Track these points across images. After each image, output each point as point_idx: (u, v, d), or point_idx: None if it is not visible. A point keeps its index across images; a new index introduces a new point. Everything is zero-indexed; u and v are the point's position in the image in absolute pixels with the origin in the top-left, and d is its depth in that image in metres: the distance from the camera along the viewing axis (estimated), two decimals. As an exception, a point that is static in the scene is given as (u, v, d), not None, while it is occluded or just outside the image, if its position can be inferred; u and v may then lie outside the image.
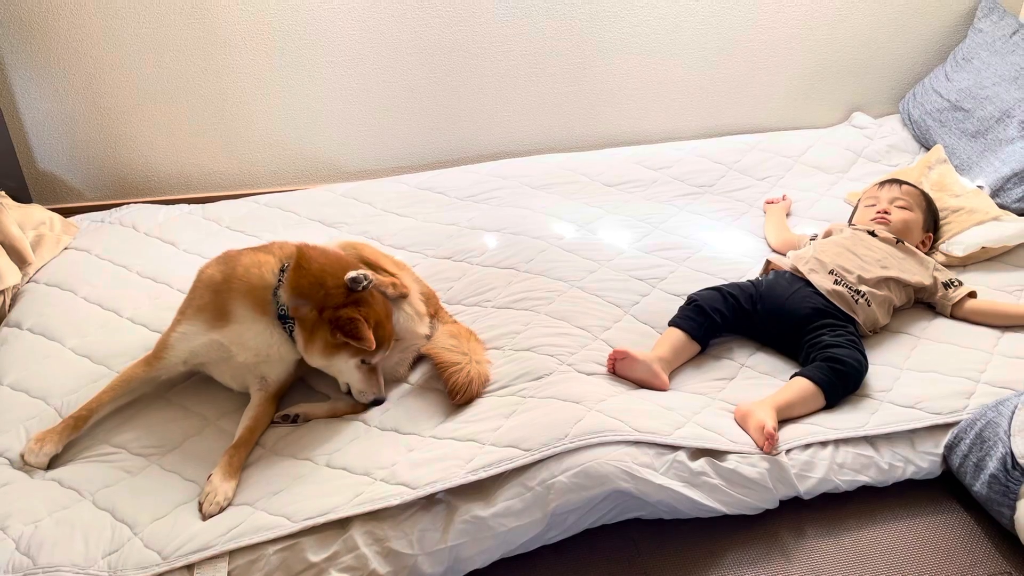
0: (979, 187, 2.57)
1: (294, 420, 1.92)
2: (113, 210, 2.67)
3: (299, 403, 1.95)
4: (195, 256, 2.40)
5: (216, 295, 1.88)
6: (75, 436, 1.82)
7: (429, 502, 1.66)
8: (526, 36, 2.79)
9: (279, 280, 1.86)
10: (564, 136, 2.99)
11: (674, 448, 1.73)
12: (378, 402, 1.92)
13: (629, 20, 2.82)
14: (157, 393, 1.97)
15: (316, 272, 1.84)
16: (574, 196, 2.68)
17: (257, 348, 1.87)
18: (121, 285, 2.31)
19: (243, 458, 1.80)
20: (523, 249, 2.36)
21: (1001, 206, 2.51)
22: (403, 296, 1.99)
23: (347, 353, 1.83)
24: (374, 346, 1.81)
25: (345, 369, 1.88)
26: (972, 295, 2.19)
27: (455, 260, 2.38)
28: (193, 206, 2.69)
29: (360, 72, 2.77)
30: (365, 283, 1.84)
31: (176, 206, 2.70)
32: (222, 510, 1.68)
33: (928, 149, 2.85)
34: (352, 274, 1.83)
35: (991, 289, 2.28)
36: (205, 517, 1.66)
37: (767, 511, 1.75)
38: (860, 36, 2.98)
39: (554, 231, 2.47)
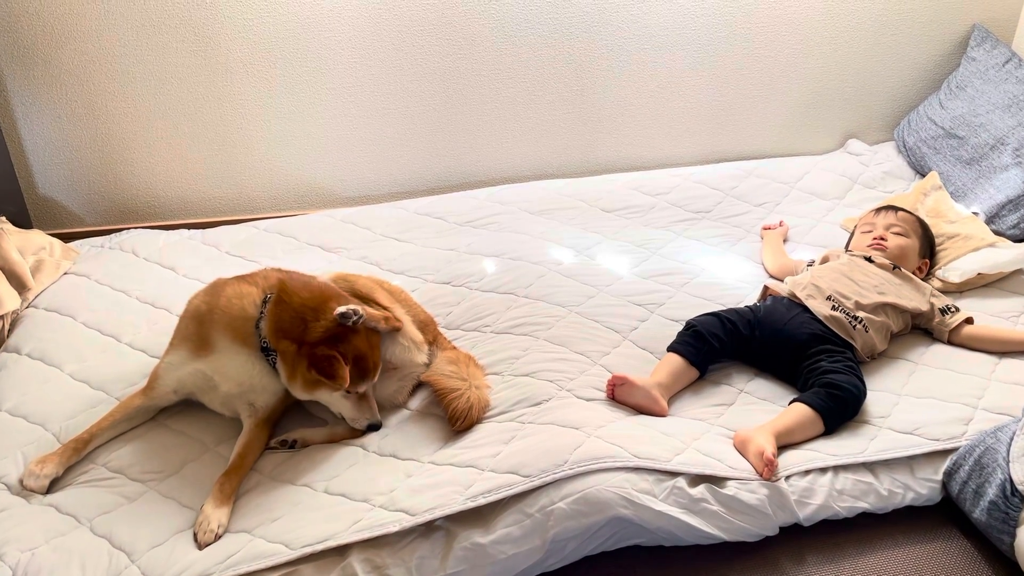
0: (974, 214, 2.59)
1: (292, 446, 1.92)
2: (113, 235, 2.68)
3: (297, 428, 1.95)
4: (194, 281, 2.41)
5: (200, 325, 1.89)
6: (75, 460, 1.82)
7: (428, 529, 1.66)
8: (524, 63, 2.82)
9: (261, 312, 1.86)
10: (562, 162, 3.01)
11: (673, 474, 1.73)
12: (374, 427, 1.92)
13: (626, 47, 2.85)
14: (156, 419, 1.97)
15: (296, 306, 1.84)
16: (573, 222, 2.69)
17: (239, 379, 1.87)
18: (121, 310, 2.31)
19: (235, 485, 1.79)
20: (522, 274, 2.37)
21: (996, 232, 2.53)
22: (396, 330, 1.99)
23: (326, 388, 1.83)
24: (347, 384, 1.80)
25: (331, 400, 1.89)
26: (969, 321, 2.20)
27: (454, 285, 2.38)
28: (193, 231, 2.71)
29: (359, 99, 2.80)
30: (355, 318, 1.83)
31: (176, 231, 2.71)
32: (218, 538, 1.67)
33: (923, 176, 2.88)
34: (342, 309, 1.82)
35: (987, 315, 2.29)
36: (201, 547, 1.65)
37: (767, 538, 1.75)
38: (855, 64, 3.02)
39: (553, 256, 2.48)
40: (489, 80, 2.83)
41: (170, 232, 2.70)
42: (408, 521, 1.64)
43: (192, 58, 2.64)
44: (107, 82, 2.63)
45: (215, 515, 1.69)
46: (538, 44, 2.80)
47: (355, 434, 1.93)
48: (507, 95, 2.86)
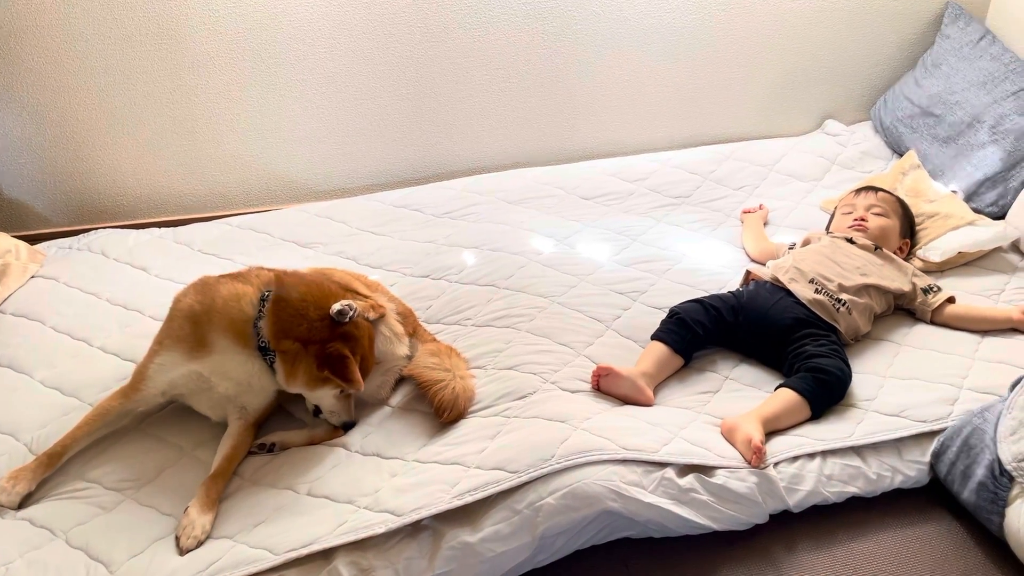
0: (953, 192, 2.58)
1: (271, 449, 1.88)
2: (81, 236, 2.61)
3: (276, 431, 1.91)
4: (167, 282, 2.35)
5: (195, 326, 1.84)
6: (49, 473, 1.77)
7: (415, 529, 1.63)
8: (498, 50, 2.78)
9: (259, 311, 1.81)
10: (539, 149, 2.97)
11: (662, 465, 1.71)
12: (349, 425, 1.89)
13: (601, 31, 2.82)
14: (131, 424, 1.92)
15: (297, 304, 1.80)
16: (551, 210, 2.66)
17: (238, 379, 1.83)
18: (91, 314, 2.25)
19: (221, 489, 1.75)
20: (502, 266, 2.34)
21: (975, 210, 2.53)
22: (381, 317, 1.95)
23: (331, 387, 1.80)
24: (362, 387, 1.78)
25: (323, 397, 1.85)
26: (951, 300, 2.20)
27: (433, 278, 2.34)
28: (164, 230, 2.64)
29: (331, 90, 2.74)
30: (351, 314, 1.80)
31: (146, 230, 2.64)
32: (200, 544, 1.63)
33: (900, 155, 2.87)
34: (338, 306, 1.79)
35: (969, 294, 2.29)
36: (183, 552, 1.61)
37: (758, 526, 1.73)
38: (830, 43, 3.00)
39: (533, 246, 2.45)
40: (463, 68, 2.78)
41: (140, 231, 2.64)
42: (394, 522, 1.61)
43: (158, 51, 2.57)
44: (71, 79, 2.56)
45: (200, 520, 1.65)
46: (511, 30, 2.75)
47: (335, 435, 1.90)
48: (481, 83, 2.82)
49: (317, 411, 1.90)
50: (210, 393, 1.86)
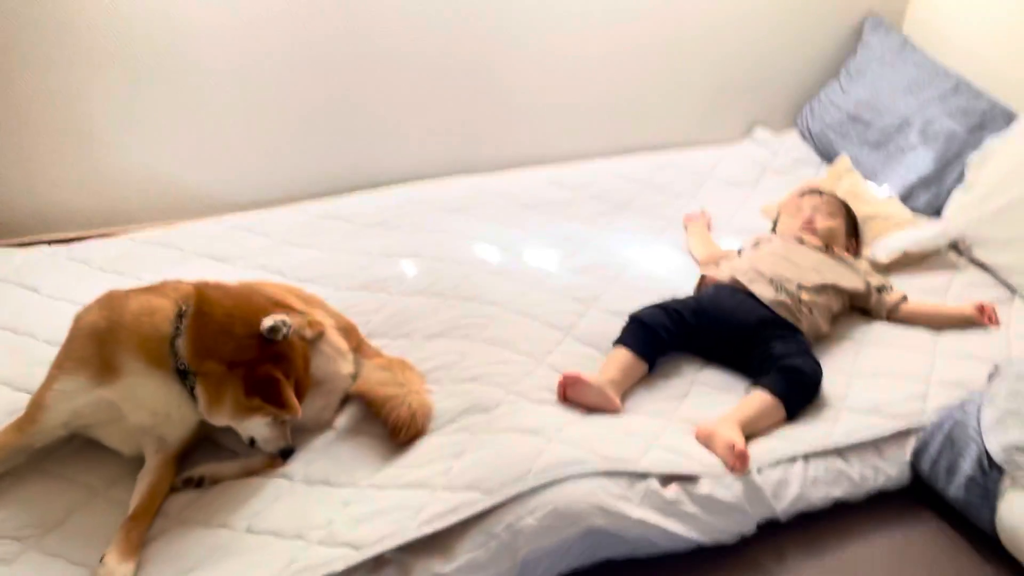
0: (890, 196, 2.59)
1: (199, 483, 1.64)
2: (-46, 257, 2.29)
3: (203, 463, 1.67)
4: (63, 302, 2.06)
5: (101, 346, 1.58)
6: (-76, 523, 1.48)
7: (377, 564, 1.44)
8: (426, 52, 2.63)
9: (177, 328, 1.58)
10: (470, 157, 2.83)
11: (644, 476, 1.58)
12: (287, 452, 1.67)
13: (530, 34, 2.71)
14: (30, 463, 1.64)
15: (221, 318, 1.58)
16: (492, 219, 2.51)
17: (153, 407, 1.59)
18: (-28, 339, 1.95)
19: (143, 532, 1.51)
20: (447, 275, 2.16)
21: (911, 211, 2.54)
22: (319, 335, 1.75)
23: (262, 414, 1.58)
24: (299, 411, 1.57)
25: (255, 427, 1.63)
26: (905, 299, 2.17)
27: (371, 291, 2.15)
28: (56, 247, 2.35)
29: (244, 93, 2.52)
30: (285, 331, 1.59)
31: (35, 247, 2.34)
32: (121, 597, 1.39)
33: (830, 161, 2.88)
34: (269, 322, 1.58)
35: (917, 293, 2.26)
36: (101, 610, 1.36)
37: (744, 538, 1.62)
38: (755, 52, 3.00)
39: (477, 255, 2.29)
40: (390, 69, 2.62)
41: (27, 249, 2.33)
42: (354, 557, 1.42)
43: (47, 48, 2.28)
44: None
45: (119, 570, 1.41)
46: (439, 31, 2.61)
47: (274, 464, 1.68)
48: (410, 85, 2.66)
49: (252, 441, 1.68)
50: (121, 424, 1.61)
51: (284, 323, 1.57)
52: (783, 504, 1.64)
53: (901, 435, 1.78)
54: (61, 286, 2.15)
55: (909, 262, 2.38)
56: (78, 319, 1.66)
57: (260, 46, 2.47)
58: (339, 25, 2.51)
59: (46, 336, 1.94)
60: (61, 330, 1.67)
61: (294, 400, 1.55)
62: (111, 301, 1.66)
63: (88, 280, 2.19)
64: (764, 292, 2.04)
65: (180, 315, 1.59)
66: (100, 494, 1.61)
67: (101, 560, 1.43)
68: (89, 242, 2.38)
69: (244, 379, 1.54)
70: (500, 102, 2.79)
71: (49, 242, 2.43)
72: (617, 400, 1.82)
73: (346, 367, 1.79)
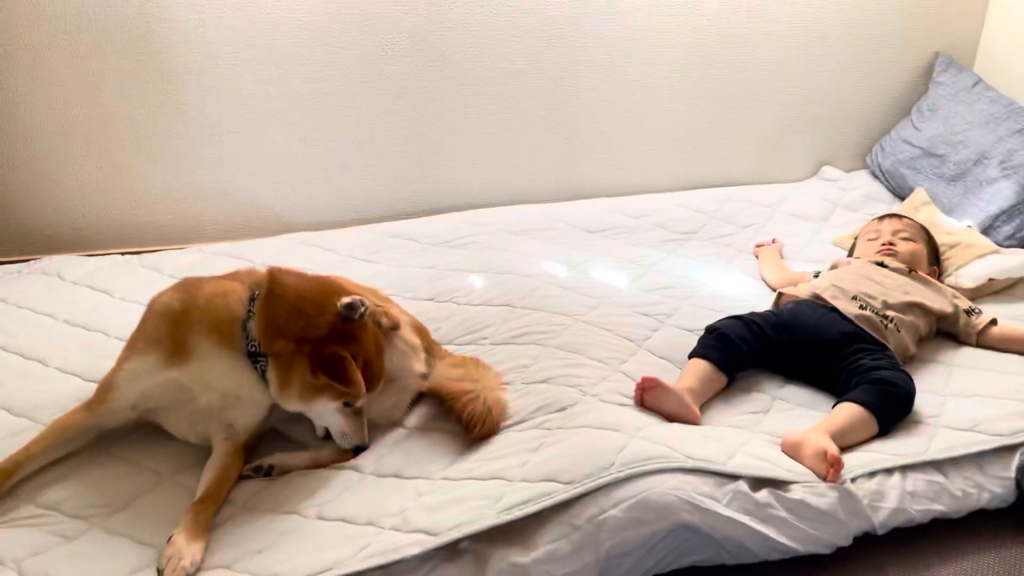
0: (968, 226, 2.52)
1: (268, 473, 1.60)
2: (32, 263, 2.32)
3: (273, 453, 1.63)
4: (135, 304, 2.06)
5: (174, 327, 1.57)
6: (-1, 493, 1.45)
7: (451, 553, 1.37)
8: (498, 84, 2.65)
9: (249, 311, 1.57)
10: (537, 187, 2.82)
11: (732, 478, 1.49)
12: (361, 448, 1.62)
13: (602, 69, 2.73)
14: (97, 447, 1.61)
15: (293, 299, 1.56)
16: (556, 242, 2.48)
17: (224, 388, 1.57)
18: (47, 334, 1.98)
19: (211, 516, 1.47)
20: (515, 287, 2.13)
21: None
22: (395, 328, 1.72)
23: (329, 395, 1.54)
24: (364, 391, 1.53)
25: (325, 412, 1.59)
26: (994, 322, 2.08)
27: (439, 301, 2.12)
28: (128, 256, 2.38)
29: (319, 116, 2.56)
30: (363, 310, 1.57)
31: (108, 256, 2.37)
32: (189, 576, 1.33)
33: (902, 199, 2.82)
34: (347, 299, 1.56)
35: (1003, 320, 2.17)
36: (167, 586, 1.31)
37: (840, 552, 1.51)
38: (824, 91, 2.98)
39: (544, 270, 2.26)
40: (460, 99, 2.65)
41: (100, 257, 2.36)
42: (429, 542, 1.35)
43: (128, 62, 2.35)
44: (26, 85, 2.32)
45: (188, 549, 1.36)
46: (515, 63, 2.64)
47: (343, 457, 1.63)
48: (480, 115, 2.68)
49: (327, 434, 1.63)
50: (189, 408, 1.59)
51: (362, 302, 1.54)
52: (881, 516, 1.53)
53: (1004, 451, 1.66)
54: (133, 290, 2.17)
55: (994, 289, 2.29)
56: (152, 303, 1.66)
57: (335, 73, 2.53)
58: (411, 58, 2.56)
59: (117, 333, 1.94)
60: (132, 327, 1.66)
61: (359, 378, 1.51)
62: (186, 285, 1.66)
63: (159, 285, 2.13)
64: (847, 307, 1.96)
65: (252, 298, 1.57)
66: (167, 479, 1.57)
67: (169, 540, 1.38)
68: (160, 253, 2.41)
69: (310, 356, 1.51)
70: (568, 135, 2.79)
71: (120, 254, 2.46)
72: (696, 410, 1.74)
73: (419, 365, 1.75)
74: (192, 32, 2.37)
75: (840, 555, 1.51)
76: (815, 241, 2.64)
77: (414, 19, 2.51)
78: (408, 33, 2.53)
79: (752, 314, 1.98)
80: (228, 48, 2.41)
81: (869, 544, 1.54)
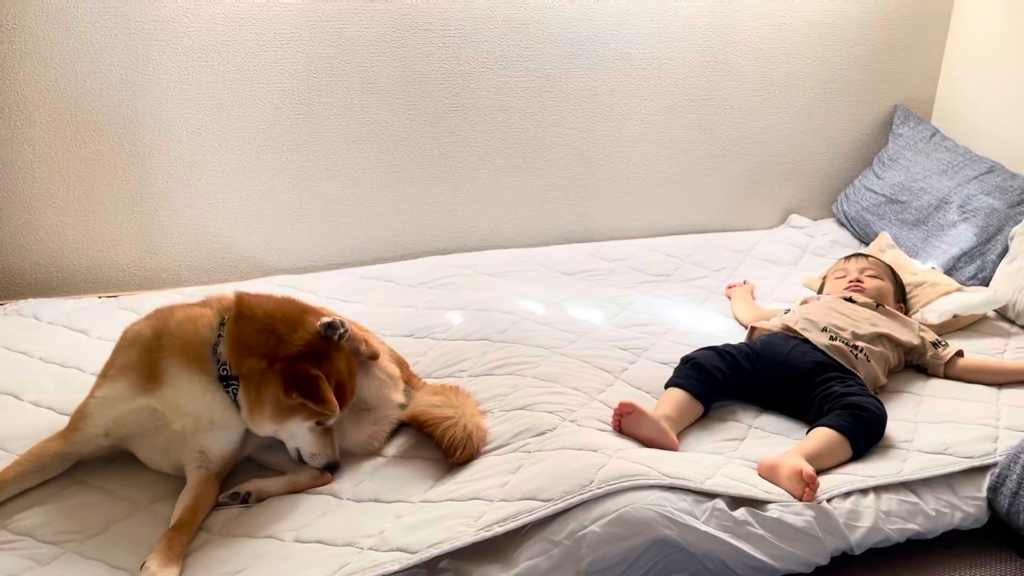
0: (932, 268, 2.59)
1: (245, 500, 1.59)
2: (5, 306, 2.31)
3: (249, 480, 1.62)
4: (110, 343, 2.01)
5: (145, 353, 1.58)
6: (-33, 520, 1.43)
7: (432, 571, 1.36)
8: (477, 132, 2.73)
9: (219, 335, 1.58)
10: (514, 233, 2.87)
11: (711, 496, 1.50)
12: (332, 467, 1.63)
13: (578, 121, 2.82)
14: (74, 476, 1.60)
15: (262, 318, 1.57)
16: (534, 283, 2.52)
17: (196, 413, 1.56)
18: (21, 370, 1.96)
19: (186, 542, 1.45)
20: (493, 322, 2.16)
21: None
22: (373, 358, 1.73)
23: (302, 415, 1.55)
24: (337, 410, 1.54)
25: (297, 432, 1.60)
26: (960, 354, 2.13)
27: (417, 337, 2.14)
28: (105, 298, 2.38)
29: (301, 157, 2.60)
30: (342, 331, 1.59)
31: (85, 298, 2.37)
32: (162, 602, 1.31)
33: (867, 244, 2.90)
34: (327, 319, 1.58)
35: (970, 354, 2.22)
36: (141, 612, 1.29)
37: (817, 570, 1.52)
38: (788, 145, 3.09)
39: (522, 307, 2.29)
40: (439, 147, 2.71)
41: (77, 299, 2.36)
42: (409, 560, 1.35)
43: (108, 107, 2.39)
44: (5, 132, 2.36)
45: (162, 574, 1.33)
46: (491, 113, 2.72)
47: (321, 480, 1.63)
48: (457, 162, 2.74)
49: (299, 455, 1.63)
50: (164, 434, 1.58)
51: (341, 323, 1.56)
52: (857, 535, 1.54)
53: (975, 473, 1.69)
54: (109, 329, 2.15)
55: (960, 326, 2.35)
56: (125, 331, 1.68)
57: (316, 117, 2.57)
58: (391, 108, 2.62)
59: (93, 369, 1.92)
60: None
61: (332, 397, 1.51)
62: (157, 313, 1.68)
63: (136, 326, 2.19)
64: (819, 338, 2.01)
65: (222, 322, 1.58)
66: (143, 508, 1.55)
67: (142, 566, 1.36)
68: (137, 295, 2.41)
69: (283, 374, 1.51)
70: (544, 183, 2.86)
71: (99, 296, 2.46)
72: (674, 436, 1.75)
73: (398, 395, 1.76)
74: (171, 77, 2.42)
75: (818, 574, 1.52)
76: (785, 283, 2.70)
77: (394, 67, 2.59)
78: (389, 81, 2.60)
79: (727, 345, 2.02)
80: (207, 93, 2.46)
81: (847, 564, 1.55)
